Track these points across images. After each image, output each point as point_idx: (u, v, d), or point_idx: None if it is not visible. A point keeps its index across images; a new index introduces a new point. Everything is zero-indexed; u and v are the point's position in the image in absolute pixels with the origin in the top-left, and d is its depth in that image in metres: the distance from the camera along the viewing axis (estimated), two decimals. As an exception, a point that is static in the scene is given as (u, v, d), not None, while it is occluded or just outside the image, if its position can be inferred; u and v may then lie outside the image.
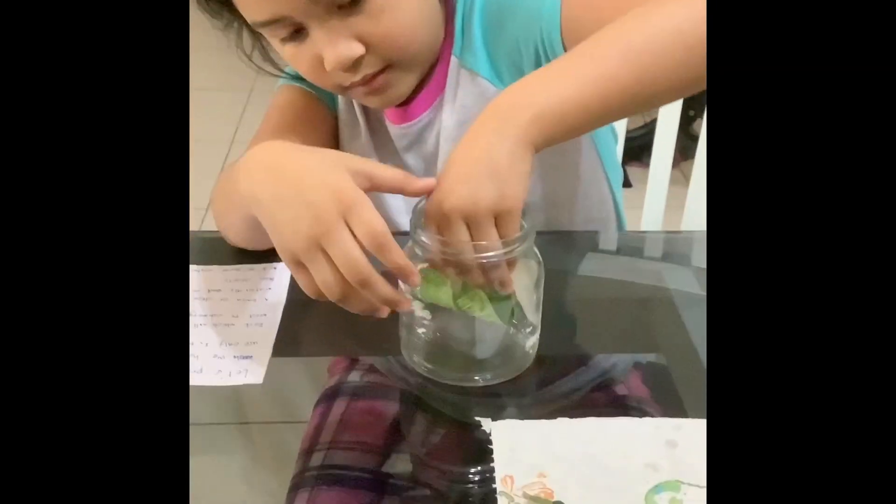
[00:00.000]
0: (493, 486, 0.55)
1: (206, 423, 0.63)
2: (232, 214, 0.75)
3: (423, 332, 0.62)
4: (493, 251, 0.59)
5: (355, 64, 0.71)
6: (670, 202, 1.14)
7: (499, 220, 0.58)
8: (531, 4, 0.74)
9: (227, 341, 0.66)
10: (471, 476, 0.57)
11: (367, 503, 0.56)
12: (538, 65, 0.74)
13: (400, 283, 0.59)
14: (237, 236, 0.79)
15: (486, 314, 0.61)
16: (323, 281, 0.56)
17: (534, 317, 0.64)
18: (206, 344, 0.66)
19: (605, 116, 0.64)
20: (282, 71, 0.85)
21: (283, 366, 0.67)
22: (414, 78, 0.77)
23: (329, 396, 0.66)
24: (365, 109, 0.86)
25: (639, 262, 0.83)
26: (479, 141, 0.60)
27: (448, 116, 0.80)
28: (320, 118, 0.87)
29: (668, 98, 0.67)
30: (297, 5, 0.68)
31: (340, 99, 0.87)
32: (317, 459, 0.60)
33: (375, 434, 0.62)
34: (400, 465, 0.59)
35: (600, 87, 0.61)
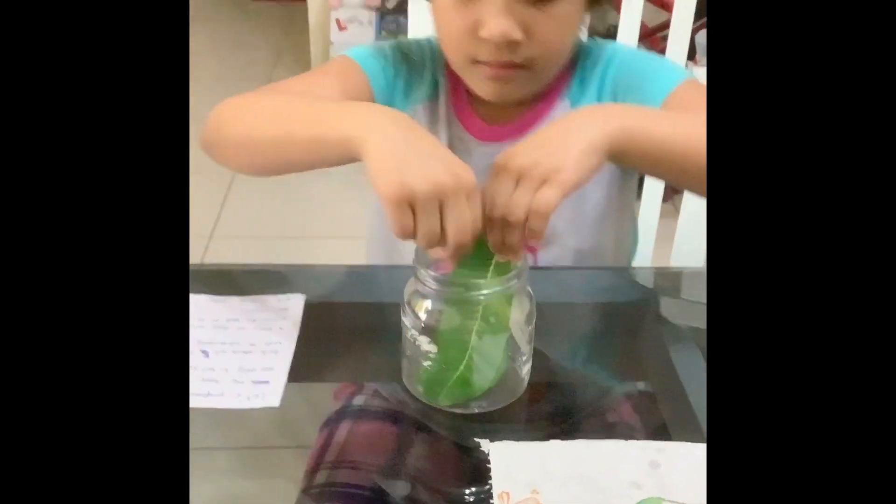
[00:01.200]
0: (491, 501, 0.60)
1: (220, 447, 0.68)
2: (271, 126, 0.76)
3: (427, 364, 0.68)
4: (488, 289, 0.64)
5: (508, 45, 0.77)
6: (661, 233, 1.19)
7: (542, 188, 0.62)
8: (652, 88, 0.83)
9: (246, 367, 0.72)
10: (470, 493, 0.62)
11: None
12: None
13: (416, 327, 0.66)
14: (251, 154, 0.80)
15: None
16: (429, 230, 0.60)
17: (526, 347, 0.69)
18: (227, 369, 0.71)
19: (670, 167, 0.72)
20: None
21: (295, 390, 0.72)
22: (533, 88, 0.85)
23: (334, 419, 0.71)
24: (449, 127, 0.91)
25: (629, 295, 0.89)
26: (569, 120, 0.68)
27: None
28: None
29: (692, 186, 0.79)
30: None
31: (420, 115, 0.90)
32: (321, 478, 0.65)
33: (378, 454, 0.67)
34: (401, 482, 0.64)
35: (682, 144, 0.69)
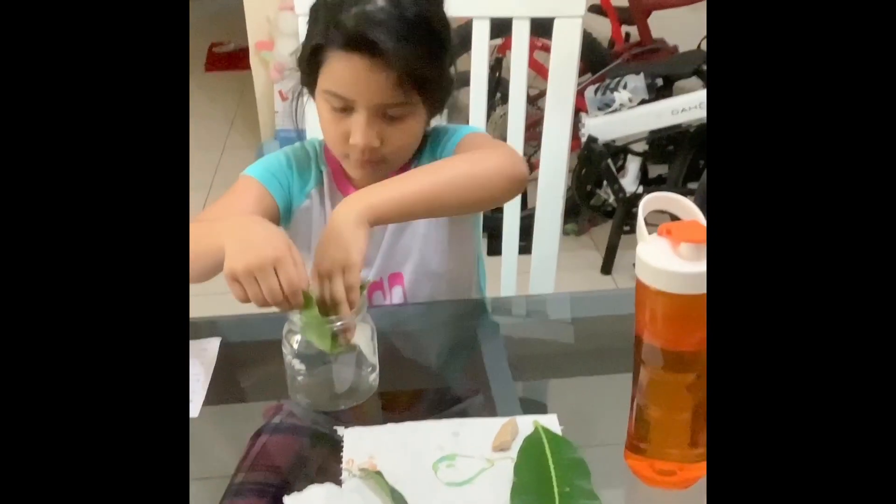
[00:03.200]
0: (342, 467, 0.88)
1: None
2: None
3: (301, 379, 0.96)
4: (341, 321, 0.93)
5: (369, 149, 1.08)
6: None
7: (345, 271, 0.92)
8: (453, 138, 1.17)
9: (176, 392, 1.00)
10: (332, 465, 0.89)
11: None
12: None
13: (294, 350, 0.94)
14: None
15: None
16: (252, 294, 0.88)
17: (373, 359, 0.98)
18: (162, 395, 0.99)
19: (421, 211, 1.04)
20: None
21: (218, 411, 0.99)
22: (390, 171, 1.14)
23: (257, 434, 0.98)
24: (333, 199, 1.20)
25: (459, 319, 1.19)
26: (334, 217, 0.97)
27: None
28: (265, 206, 1.17)
29: (464, 211, 1.11)
30: (371, 102, 1.04)
31: (314, 198, 1.20)
32: (238, 478, 0.90)
33: (278, 457, 0.93)
34: (290, 469, 0.91)
35: (424, 194, 1.01)
